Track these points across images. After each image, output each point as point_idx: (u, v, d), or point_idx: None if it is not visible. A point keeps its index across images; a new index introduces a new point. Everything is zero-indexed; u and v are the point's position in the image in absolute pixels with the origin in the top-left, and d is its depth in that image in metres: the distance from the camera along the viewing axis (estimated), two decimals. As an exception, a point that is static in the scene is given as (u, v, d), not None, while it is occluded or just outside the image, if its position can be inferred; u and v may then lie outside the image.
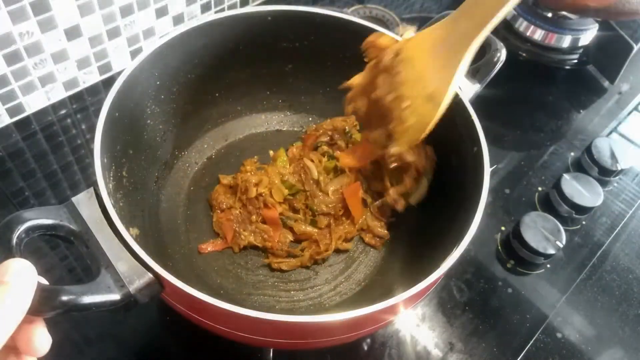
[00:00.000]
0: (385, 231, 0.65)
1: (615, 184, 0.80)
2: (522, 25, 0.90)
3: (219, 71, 0.65)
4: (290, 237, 0.63)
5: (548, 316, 0.64)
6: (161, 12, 0.80)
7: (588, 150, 0.80)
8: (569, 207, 0.72)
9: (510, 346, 0.62)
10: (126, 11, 0.75)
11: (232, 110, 0.72)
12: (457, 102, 0.56)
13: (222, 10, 0.89)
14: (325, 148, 0.68)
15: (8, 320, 0.30)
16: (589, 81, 0.95)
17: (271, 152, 0.70)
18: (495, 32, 0.49)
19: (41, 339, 0.33)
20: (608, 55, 0.89)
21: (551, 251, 0.66)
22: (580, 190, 0.73)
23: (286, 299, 0.60)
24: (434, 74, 0.51)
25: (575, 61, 0.91)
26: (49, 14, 0.67)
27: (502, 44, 0.63)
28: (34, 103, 0.75)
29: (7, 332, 0.30)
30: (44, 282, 0.35)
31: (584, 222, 0.74)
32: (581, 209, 0.72)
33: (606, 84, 0.94)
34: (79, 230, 0.41)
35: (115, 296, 0.38)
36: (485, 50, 0.63)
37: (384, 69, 0.55)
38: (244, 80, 0.69)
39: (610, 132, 0.87)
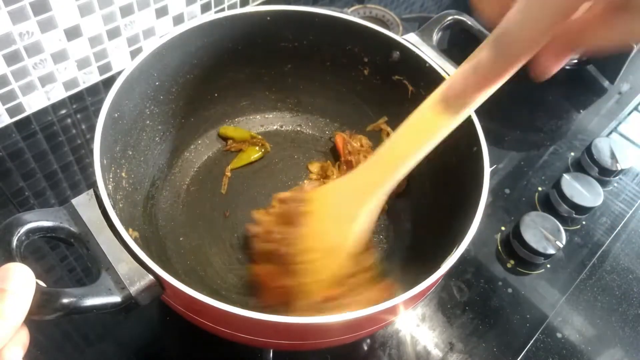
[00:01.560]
0: None
1: (615, 184, 0.80)
2: (522, 24, 0.90)
3: (218, 71, 0.65)
4: None
5: (548, 316, 0.65)
6: (161, 12, 0.80)
7: (588, 150, 0.80)
8: (569, 207, 0.72)
9: (510, 346, 0.62)
10: (126, 11, 0.75)
11: (231, 110, 0.72)
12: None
13: (222, 10, 0.89)
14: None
15: (6, 329, 0.30)
16: (589, 81, 0.95)
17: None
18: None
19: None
20: (608, 55, 0.89)
21: (551, 251, 0.66)
22: (580, 190, 0.73)
23: (286, 300, 0.60)
24: (335, 227, 0.47)
25: (575, 61, 0.91)
26: (49, 14, 0.67)
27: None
28: (34, 103, 0.75)
29: (4, 339, 0.30)
30: (44, 284, 0.35)
31: (584, 222, 0.74)
32: (581, 209, 0.72)
33: (606, 84, 0.94)
34: (79, 232, 0.41)
35: (116, 298, 0.38)
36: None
37: (287, 220, 0.50)
38: (243, 80, 0.69)
39: (610, 132, 0.87)
